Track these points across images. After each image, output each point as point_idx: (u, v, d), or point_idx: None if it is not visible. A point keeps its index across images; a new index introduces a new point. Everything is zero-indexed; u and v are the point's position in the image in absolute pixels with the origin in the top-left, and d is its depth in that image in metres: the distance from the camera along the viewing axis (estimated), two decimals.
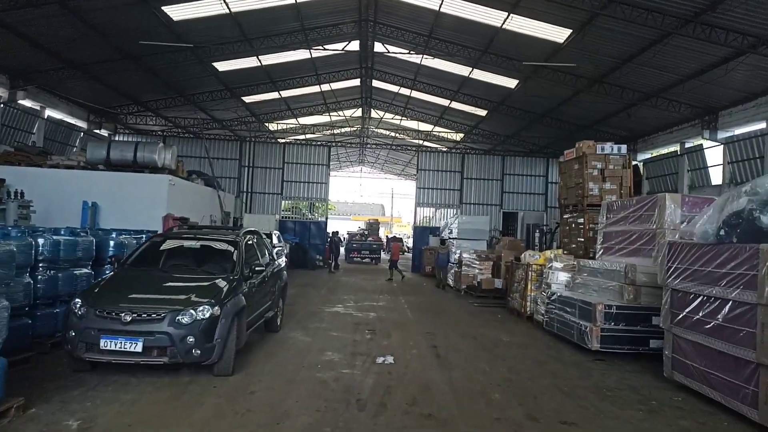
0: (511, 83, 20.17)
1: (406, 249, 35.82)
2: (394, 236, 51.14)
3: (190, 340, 5.82)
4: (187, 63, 19.00)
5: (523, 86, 19.75)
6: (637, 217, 9.11)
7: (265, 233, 19.87)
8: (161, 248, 7.70)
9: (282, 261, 10.40)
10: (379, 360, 7.60)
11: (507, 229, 27.80)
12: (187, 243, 7.72)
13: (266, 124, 29.03)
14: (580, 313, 8.78)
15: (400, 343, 8.89)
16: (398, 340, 9.24)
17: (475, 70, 19.69)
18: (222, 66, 20.17)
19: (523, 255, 12.30)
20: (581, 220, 12.26)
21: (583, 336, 8.44)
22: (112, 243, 8.73)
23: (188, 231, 8.53)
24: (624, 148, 11.98)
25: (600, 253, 10.10)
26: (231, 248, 7.49)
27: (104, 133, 24.36)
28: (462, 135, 29.82)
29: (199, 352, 5.89)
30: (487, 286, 16.41)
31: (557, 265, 10.63)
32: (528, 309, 11.63)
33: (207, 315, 5.97)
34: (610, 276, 8.82)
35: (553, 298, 9.97)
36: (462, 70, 20.24)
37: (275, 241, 19.77)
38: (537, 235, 13.73)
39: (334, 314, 11.83)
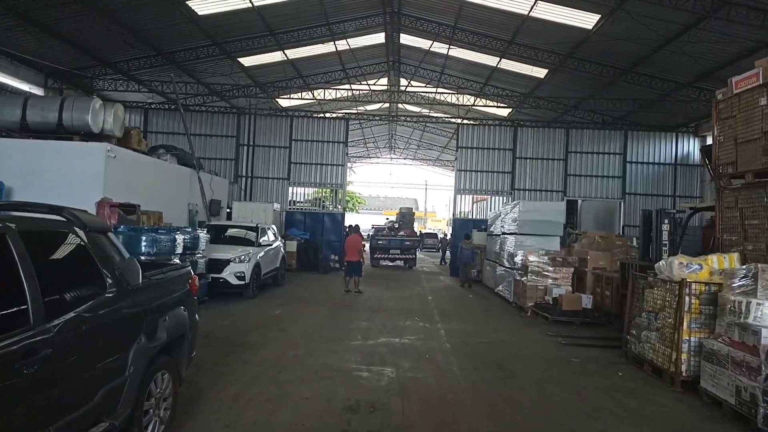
0: (589, 20, 14.67)
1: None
2: (429, 231, 45.55)
3: None
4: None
5: (608, 22, 14.16)
6: None
7: (250, 227, 14.95)
8: None
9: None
10: None
11: (568, 221, 21.99)
12: None
13: (275, 100, 24.10)
14: None
15: None
16: None
17: (539, 2, 14.22)
18: (200, 7, 15.21)
19: (662, 263, 6.72)
20: None
21: None
22: None
23: None
24: None
25: None
26: None
27: None
28: (510, 110, 24.21)
29: None
30: (568, 306, 10.99)
31: (766, 288, 5.06)
32: (684, 368, 6.11)
33: None
34: None
35: None
36: (521, 5, 14.79)
37: (269, 237, 14.60)
38: (665, 227, 8.08)
39: (318, 373, 6.50)
